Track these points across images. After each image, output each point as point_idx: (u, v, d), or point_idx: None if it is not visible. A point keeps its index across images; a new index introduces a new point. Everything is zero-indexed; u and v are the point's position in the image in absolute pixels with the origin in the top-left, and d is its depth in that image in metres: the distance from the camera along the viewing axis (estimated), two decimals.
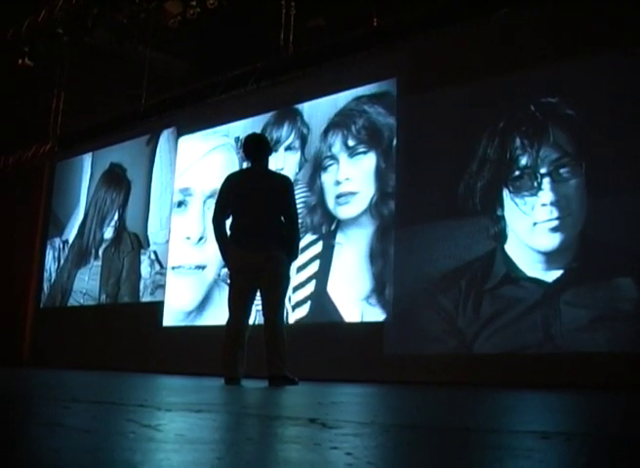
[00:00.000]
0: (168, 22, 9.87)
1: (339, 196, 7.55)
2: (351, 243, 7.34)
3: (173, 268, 8.96)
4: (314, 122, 7.94)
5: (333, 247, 7.48)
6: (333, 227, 7.52)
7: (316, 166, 7.83)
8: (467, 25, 6.93)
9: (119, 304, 9.71)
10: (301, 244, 7.55)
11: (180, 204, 9.11)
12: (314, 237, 7.65)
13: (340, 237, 7.46)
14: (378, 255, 7.11)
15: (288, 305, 7.52)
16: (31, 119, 11.43)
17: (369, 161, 7.38)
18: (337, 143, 7.71)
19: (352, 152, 7.55)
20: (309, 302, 7.55)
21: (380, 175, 7.26)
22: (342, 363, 6.87)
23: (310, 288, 7.58)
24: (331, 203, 7.60)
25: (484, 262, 6.28)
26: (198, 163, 9.07)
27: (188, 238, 8.83)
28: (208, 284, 8.47)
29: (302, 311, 7.59)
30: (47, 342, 10.56)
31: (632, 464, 1.43)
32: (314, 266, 7.60)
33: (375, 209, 7.22)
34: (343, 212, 7.49)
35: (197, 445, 1.49)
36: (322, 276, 7.50)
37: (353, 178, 7.48)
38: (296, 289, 7.60)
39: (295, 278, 7.51)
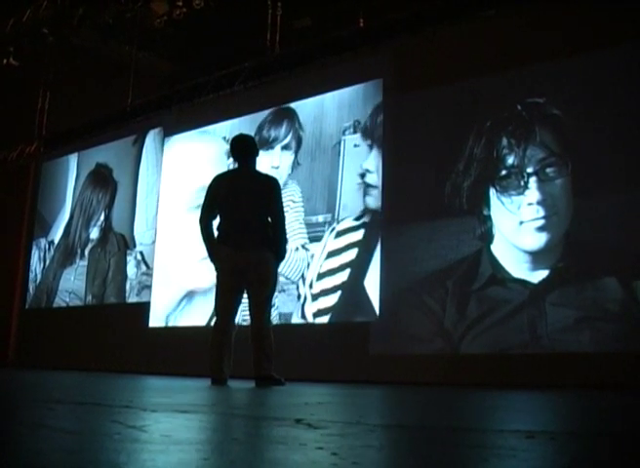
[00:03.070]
0: (154, 22, 9.84)
1: None
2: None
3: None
4: (302, 122, 7.94)
5: (378, 235, 6.98)
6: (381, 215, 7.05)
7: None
8: (454, 26, 6.94)
9: (105, 305, 9.68)
10: (340, 226, 7.25)
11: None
12: (357, 222, 7.14)
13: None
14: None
15: (308, 292, 7.33)
16: (16, 119, 11.37)
17: None
18: None
19: None
20: (339, 293, 7.10)
21: None
22: (329, 363, 6.88)
23: (343, 277, 7.08)
24: None
25: (470, 263, 6.30)
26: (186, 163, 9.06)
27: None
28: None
29: (329, 301, 7.16)
30: (32, 343, 10.51)
31: (616, 463, 1.43)
32: (351, 254, 7.09)
33: (380, 219, 6.96)
34: None
35: (183, 445, 1.49)
36: (359, 266, 7.03)
37: None
38: (322, 276, 7.23)
39: (324, 263, 7.22)
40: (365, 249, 7.05)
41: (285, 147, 8.00)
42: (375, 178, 7.12)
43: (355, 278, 7.03)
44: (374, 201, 7.08)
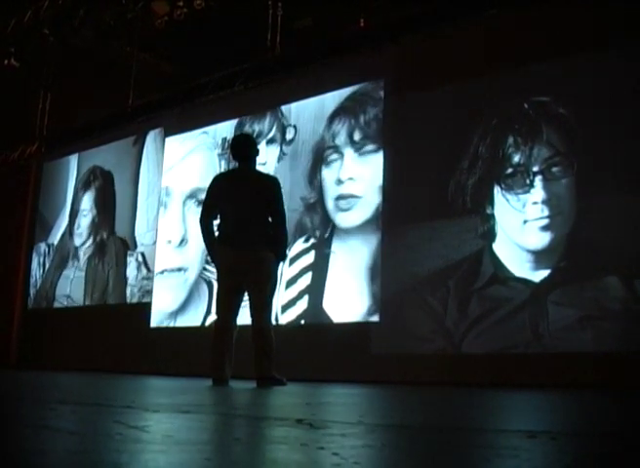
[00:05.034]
0: (155, 23, 9.84)
1: (338, 198, 7.11)
2: (353, 253, 6.90)
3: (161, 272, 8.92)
4: (301, 122, 7.92)
5: (328, 256, 7.03)
6: (328, 234, 7.10)
7: (317, 158, 7.36)
8: (458, 25, 6.92)
9: (106, 305, 9.67)
10: (292, 253, 7.19)
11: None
12: (306, 245, 7.19)
13: (336, 245, 7.01)
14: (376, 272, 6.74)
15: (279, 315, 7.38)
16: (17, 120, 11.37)
17: (377, 161, 6.94)
18: (342, 134, 7.21)
19: (359, 148, 7.04)
20: (303, 321, 7.21)
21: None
22: (331, 363, 6.87)
23: (303, 305, 7.15)
24: (330, 204, 7.16)
25: (472, 262, 6.29)
26: (180, 164, 9.06)
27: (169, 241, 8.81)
28: (189, 286, 8.45)
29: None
30: (34, 344, 10.51)
31: (617, 462, 1.43)
32: (306, 279, 7.13)
33: (381, 219, 6.87)
34: (343, 219, 7.03)
35: (185, 446, 1.49)
36: (316, 291, 7.06)
37: (358, 179, 7.03)
38: (285, 307, 7.26)
39: (283, 294, 7.22)
40: (318, 270, 7.09)
41: (270, 141, 7.97)
42: (376, 178, 7.10)
43: (314, 303, 7.08)
44: (375, 201, 7.07)
